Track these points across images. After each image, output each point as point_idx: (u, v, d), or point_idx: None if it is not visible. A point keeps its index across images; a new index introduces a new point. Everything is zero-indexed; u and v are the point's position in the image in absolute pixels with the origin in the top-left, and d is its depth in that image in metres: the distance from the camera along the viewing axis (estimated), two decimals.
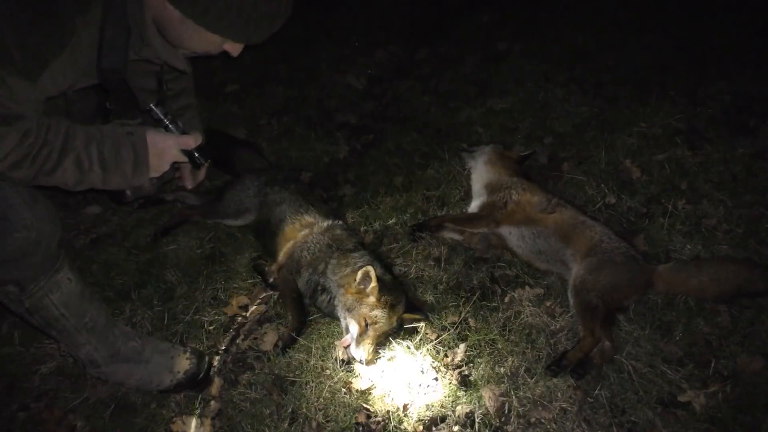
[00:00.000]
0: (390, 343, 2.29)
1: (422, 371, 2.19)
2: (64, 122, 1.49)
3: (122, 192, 1.76)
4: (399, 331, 2.31)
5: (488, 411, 2.05)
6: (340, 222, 2.65)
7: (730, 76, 3.59)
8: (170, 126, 1.70)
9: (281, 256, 2.52)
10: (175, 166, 1.88)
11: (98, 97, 1.81)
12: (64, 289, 1.83)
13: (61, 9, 1.36)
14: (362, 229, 2.80)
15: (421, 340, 2.30)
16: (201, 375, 2.14)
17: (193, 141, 1.72)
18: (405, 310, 2.29)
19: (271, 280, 2.53)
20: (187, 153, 1.73)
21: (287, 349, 2.27)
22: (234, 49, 1.57)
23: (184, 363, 2.12)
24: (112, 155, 1.54)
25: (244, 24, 1.46)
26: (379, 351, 2.25)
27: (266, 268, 2.57)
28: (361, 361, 2.17)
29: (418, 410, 2.06)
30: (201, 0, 1.38)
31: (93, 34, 1.43)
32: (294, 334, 2.31)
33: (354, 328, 2.21)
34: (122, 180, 1.60)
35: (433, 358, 2.23)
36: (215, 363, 2.25)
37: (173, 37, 1.51)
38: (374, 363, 2.20)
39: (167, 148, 1.66)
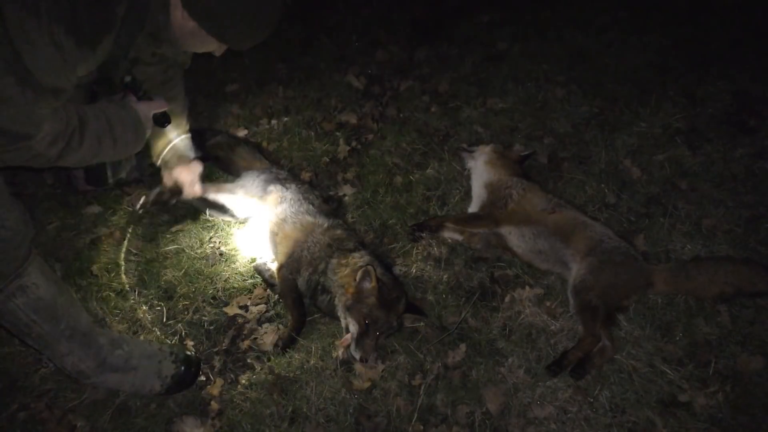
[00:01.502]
0: (390, 343, 2.29)
1: (422, 371, 2.19)
2: (69, 103, 1.59)
3: (104, 174, 2.10)
4: (399, 331, 2.31)
5: (488, 411, 2.06)
6: (341, 222, 2.65)
7: (730, 76, 3.58)
8: (143, 95, 1.91)
9: (282, 255, 2.52)
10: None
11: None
12: (30, 294, 1.78)
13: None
14: (362, 229, 2.80)
15: (421, 340, 2.30)
16: (190, 376, 2.14)
17: (165, 103, 1.96)
18: (405, 310, 2.29)
19: (271, 279, 2.53)
20: (155, 116, 1.96)
21: (287, 349, 2.27)
22: (221, 50, 1.88)
23: (170, 367, 2.11)
24: (118, 126, 1.70)
25: (244, 36, 1.79)
26: (380, 351, 2.25)
27: (266, 268, 2.58)
28: (361, 361, 2.17)
29: (418, 410, 2.06)
30: (217, 17, 1.68)
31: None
32: (294, 334, 2.31)
33: (354, 327, 2.21)
34: (128, 148, 1.80)
35: (433, 358, 2.23)
36: (215, 363, 2.25)
37: (177, 40, 1.79)
38: (374, 363, 2.20)
39: (146, 115, 1.88)
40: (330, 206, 2.84)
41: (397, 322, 2.27)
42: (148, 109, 1.89)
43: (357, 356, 2.18)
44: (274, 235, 2.61)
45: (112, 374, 2.05)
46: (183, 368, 2.13)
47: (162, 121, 2.00)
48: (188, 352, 2.20)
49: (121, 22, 1.56)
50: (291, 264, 2.46)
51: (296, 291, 2.43)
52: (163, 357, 2.13)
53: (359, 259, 2.38)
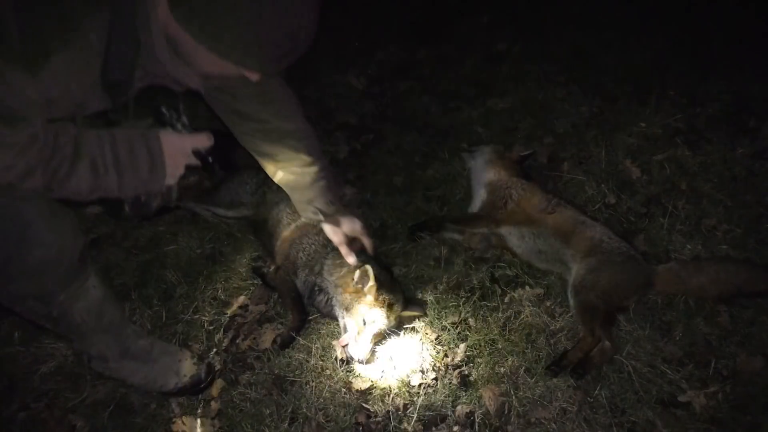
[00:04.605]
0: (390, 342, 2.29)
1: (422, 371, 2.19)
2: (72, 126, 1.43)
3: (120, 205, 1.67)
4: (398, 330, 2.31)
5: (488, 411, 2.05)
6: None
7: (730, 76, 3.59)
8: (180, 128, 1.62)
9: (278, 257, 2.52)
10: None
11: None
12: (89, 296, 1.82)
13: (68, 5, 1.29)
14: None
15: (421, 340, 2.30)
16: (205, 382, 2.14)
17: (207, 139, 1.62)
18: (403, 308, 2.29)
19: (272, 282, 2.53)
20: (200, 156, 1.65)
21: (285, 348, 2.27)
22: (252, 75, 1.45)
23: (191, 368, 2.12)
24: (127, 157, 1.46)
25: (259, 55, 1.35)
26: (378, 350, 2.25)
27: (265, 270, 2.57)
28: (359, 361, 2.17)
29: (418, 410, 2.06)
30: (212, 27, 1.28)
31: (100, 40, 1.35)
32: (293, 333, 2.31)
33: (352, 327, 2.20)
34: (138, 184, 1.52)
35: (433, 358, 2.23)
36: (215, 363, 2.24)
37: (187, 58, 1.42)
38: (373, 362, 2.20)
39: (181, 148, 1.59)
40: None
41: (395, 320, 2.27)
42: (182, 143, 1.59)
43: (355, 356, 2.17)
44: (270, 236, 2.60)
45: (131, 362, 2.05)
46: (203, 373, 2.13)
47: (208, 162, 1.65)
48: (209, 362, 2.21)
49: (108, 32, 1.34)
50: (288, 265, 2.46)
51: (295, 291, 2.43)
52: (183, 357, 2.14)
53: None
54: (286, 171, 2.17)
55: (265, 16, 1.26)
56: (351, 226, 2.24)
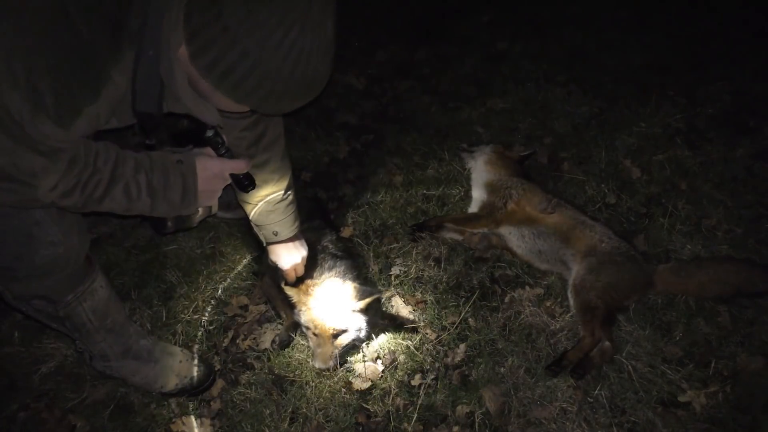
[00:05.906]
0: (390, 342, 2.29)
1: (422, 371, 2.19)
2: (113, 148, 1.46)
3: (164, 222, 1.70)
4: (371, 331, 2.24)
5: (488, 411, 2.06)
6: (317, 222, 2.59)
7: (730, 76, 3.59)
8: (224, 152, 1.64)
9: (264, 265, 2.50)
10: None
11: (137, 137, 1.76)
12: (96, 296, 1.86)
13: (97, 57, 1.30)
14: (362, 229, 2.80)
15: (421, 340, 2.30)
16: (206, 384, 2.14)
17: (245, 164, 1.66)
18: (360, 302, 2.16)
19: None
20: (236, 178, 1.69)
21: (285, 348, 2.27)
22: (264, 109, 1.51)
23: (192, 369, 2.13)
24: (161, 184, 1.50)
25: (273, 100, 1.37)
26: (380, 352, 2.24)
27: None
28: (326, 371, 2.15)
29: (418, 410, 2.06)
30: (230, 76, 1.29)
31: (126, 81, 1.39)
32: (291, 333, 2.30)
33: (310, 339, 2.18)
34: (170, 209, 1.56)
35: (433, 358, 2.23)
36: (215, 363, 2.24)
37: (205, 96, 1.44)
38: (337, 368, 2.17)
39: (218, 174, 1.61)
40: (310, 205, 2.79)
41: (341, 303, 2.16)
42: (220, 167, 1.60)
43: (317, 366, 2.13)
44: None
45: (132, 362, 2.07)
46: (203, 374, 2.14)
47: (244, 183, 1.71)
48: (211, 363, 2.21)
49: (132, 73, 1.38)
50: (271, 273, 2.42)
51: (283, 293, 2.40)
52: (185, 358, 2.15)
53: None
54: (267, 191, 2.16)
55: (285, 70, 1.28)
56: (298, 256, 2.23)
